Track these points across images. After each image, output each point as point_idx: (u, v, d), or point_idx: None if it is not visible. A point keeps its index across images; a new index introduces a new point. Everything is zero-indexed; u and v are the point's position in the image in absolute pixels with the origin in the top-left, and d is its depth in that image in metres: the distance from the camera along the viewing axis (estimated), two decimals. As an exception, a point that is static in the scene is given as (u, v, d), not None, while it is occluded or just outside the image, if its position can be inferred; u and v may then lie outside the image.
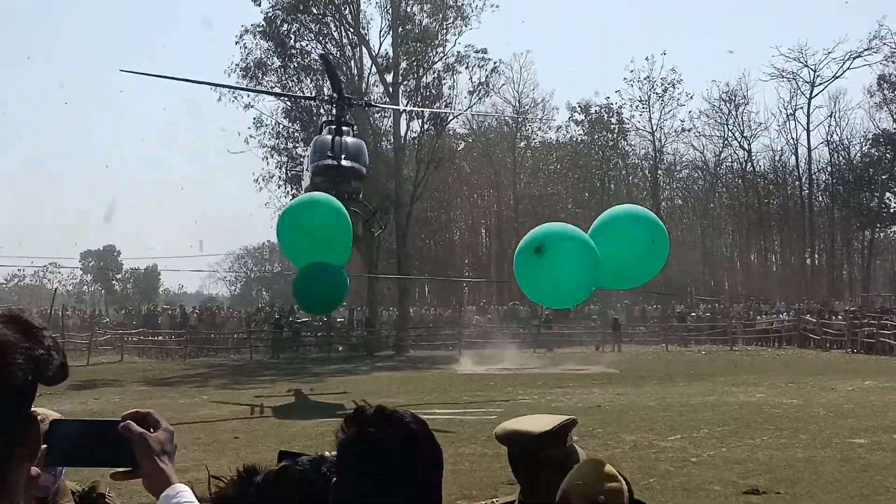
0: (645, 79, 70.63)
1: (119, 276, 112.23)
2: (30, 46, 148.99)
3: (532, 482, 3.33)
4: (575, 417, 3.36)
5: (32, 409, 1.55)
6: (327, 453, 2.89)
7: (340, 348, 46.82)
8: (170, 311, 55.46)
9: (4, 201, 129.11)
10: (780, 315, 50.06)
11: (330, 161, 28.27)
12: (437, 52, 53.17)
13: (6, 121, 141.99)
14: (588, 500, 2.53)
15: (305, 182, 31.98)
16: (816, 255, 72.14)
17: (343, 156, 28.26)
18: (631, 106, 72.26)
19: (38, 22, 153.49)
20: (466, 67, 54.11)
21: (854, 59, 65.19)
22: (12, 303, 77.21)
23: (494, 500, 3.67)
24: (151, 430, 1.95)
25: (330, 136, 29.18)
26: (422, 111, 51.22)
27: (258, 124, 53.99)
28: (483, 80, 54.88)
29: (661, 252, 4.68)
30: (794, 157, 70.84)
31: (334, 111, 32.62)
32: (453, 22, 53.27)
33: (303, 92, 52.17)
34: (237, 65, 53.23)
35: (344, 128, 29.69)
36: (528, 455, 3.25)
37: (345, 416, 2.16)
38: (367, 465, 2.06)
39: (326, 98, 37.06)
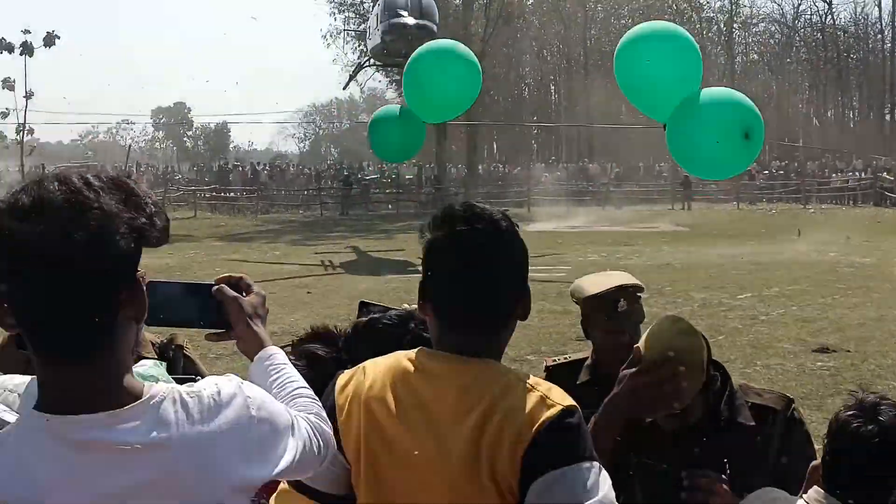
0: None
1: (190, 132, 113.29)
2: None
3: (603, 339, 3.34)
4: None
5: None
6: (406, 306, 2.92)
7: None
8: (241, 168, 56.00)
9: (79, 59, 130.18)
10: (856, 173, 48.99)
11: (401, 19, 27.82)
12: None
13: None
14: (662, 354, 2.52)
15: (373, 41, 31.55)
16: (896, 112, 70.17)
17: (413, 14, 27.87)
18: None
19: None
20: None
21: None
22: (87, 158, 78.60)
23: (566, 356, 3.69)
24: (244, 293, 2.01)
25: None
26: None
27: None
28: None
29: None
30: (877, 8, 68.33)
31: None
32: None
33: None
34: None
35: None
36: (600, 310, 3.26)
37: (433, 216, 2.17)
38: (456, 261, 2.07)
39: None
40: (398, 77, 39.67)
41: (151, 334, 3.71)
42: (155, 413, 1.56)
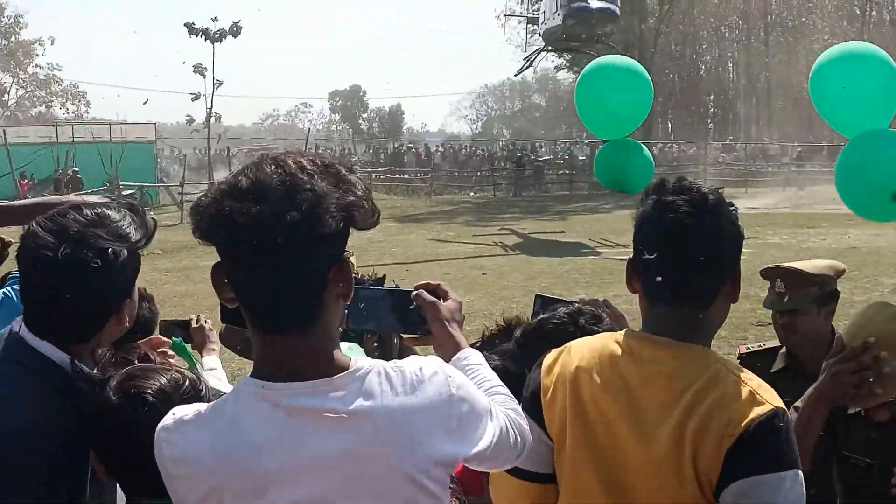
0: None
1: (365, 115, 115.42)
2: None
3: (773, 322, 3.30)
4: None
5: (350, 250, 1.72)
6: (582, 297, 2.95)
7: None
8: (414, 150, 56.74)
9: (261, 45, 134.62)
10: None
11: (584, 3, 27.54)
12: None
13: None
14: (864, 340, 2.44)
15: (549, 24, 31.18)
16: None
17: None
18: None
19: None
20: None
21: None
22: (268, 141, 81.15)
23: (761, 343, 3.64)
24: (442, 299, 2.12)
25: None
26: None
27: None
28: None
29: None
30: None
31: None
32: None
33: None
34: None
35: None
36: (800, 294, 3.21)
37: (645, 189, 2.17)
38: (661, 233, 2.08)
39: None
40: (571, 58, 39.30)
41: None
42: (360, 384, 1.67)
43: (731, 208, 2.11)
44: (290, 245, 1.58)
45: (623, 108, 5.34)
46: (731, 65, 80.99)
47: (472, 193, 44.82)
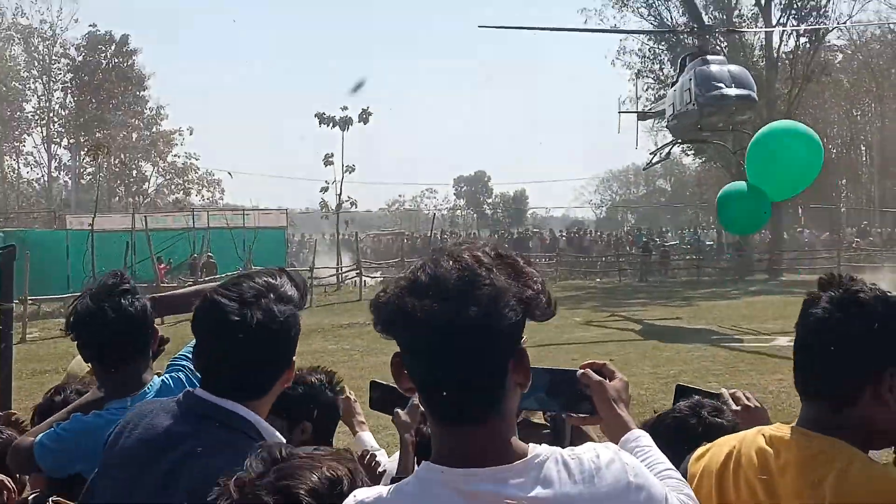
0: None
1: (489, 200, 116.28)
2: None
3: None
4: None
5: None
6: (723, 389, 2.86)
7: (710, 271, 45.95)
8: (539, 234, 56.89)
9: (388, 131, 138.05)
10: None
11: (722, 90, 27.33)
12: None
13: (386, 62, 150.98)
14: None
15: (681, 114, 30.87)
16: None
17: (733, 84, 27.42)
18: None
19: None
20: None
21: None
22: (395, 225, 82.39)
23: None
24: (608, 378, 2.12)
25: (714, 67, 28.39)
26: (793, 29, 48.56)
27: (622, 49, 53.64)
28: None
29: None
30: None
31: (697, 42, 31.87)
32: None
33: (670, 12, 51.17)
34: (603, -12, 53.03)
35: (719, 57, 28.84)
36: None
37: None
38: (805, 321, 2.14)
39: (687, 30, 36.02)
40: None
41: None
42: (539, 471, 1.67)
43: (890, 308, 2.08)
44: (470, 340, 1.63)
45: (795, 168, 5.26)
46: (863, 147, 79.25)
47: (598, 279, 44.56)
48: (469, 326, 1.61)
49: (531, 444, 1.74)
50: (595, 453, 1.73)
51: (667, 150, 36.95)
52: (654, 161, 41.04)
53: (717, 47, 41.87)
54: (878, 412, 2.06)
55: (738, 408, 2.66)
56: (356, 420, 3.77)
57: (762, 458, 2.09)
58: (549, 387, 2.12)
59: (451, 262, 1.68)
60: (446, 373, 1.66)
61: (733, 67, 29.37)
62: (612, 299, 32.43)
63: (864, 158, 79.11)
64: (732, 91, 26.67)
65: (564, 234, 59.34)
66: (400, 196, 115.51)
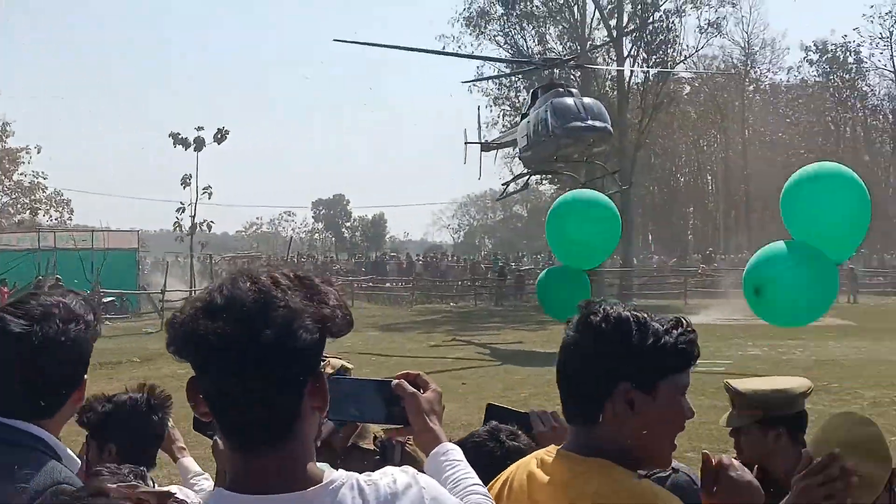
0: (887, 14, 66.46)
1: (348, 223, 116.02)
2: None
3: (762, 442, 3.25)
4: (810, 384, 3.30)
5: (325, 358, 1.72)
6: (533, 409, 2.91)
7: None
8: (397, 258, 57.00)
9: (245, 153, 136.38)
10: None
11: (578, 123, 27.75)
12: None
13: (241, 80, 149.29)
14: (829, 452, 2.41)
15: (530, 145, 31.19)
16: None
17: (588, 117, 27.89)
18: (871, 44, 68.18)
19: None
20: (696, 7, 52.63)
21: None
22: (252, 248, 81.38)
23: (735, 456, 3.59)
24: (422, 390, 2.12)
25: (570, 99, 28.80)
26: (640, 70, 50.20)
27: (479, 74, 54.39)
28: (713, 19, 53.41)
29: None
30: None
31: (549, 74, 32.39)
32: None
33: (525, 41, 52.18)
34: (460, 14, 53.72)
35: (572, 90, 29.39)
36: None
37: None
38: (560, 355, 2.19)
39: (538, 63, 36.65)
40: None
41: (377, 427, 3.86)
42: (333, 498, 1.65)
43: (625, 326, 2.13)
44: (264, 362, 1.59)
45: (592, 241, 5.38)
46: (710, 177, 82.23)
47: (453, 304, 44.87)
48: (264, 348, 1.57)
49: (327, 470, 1.70)
50: (392, 478, 1.72)
51: (524, 180, 37.39)
52: (508, 192, 41.58)
53: (571, 77, 42.94)
54: (621, 430, 2.10)
55: (545, 429, 2.70)
56: (176, 446, 3.69)
57: (531, 482, 2.13)
58: (364, 398, 2.09)
59: (247, 284, 1.64)
60: (241, 396, 1.61)
61: (588, 100, 30.05)
62: (468, 323, 32.71)
63: (710, 187, 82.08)
64: (589, 123, 27.22)
65: (422, 258, 59.61)
66: (258, 219, 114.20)
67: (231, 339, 1.58)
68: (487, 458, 2.42)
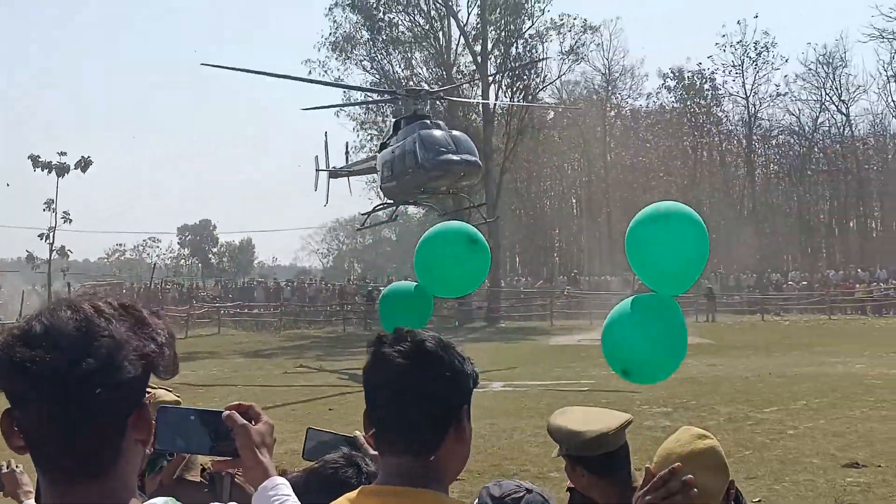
0: (738, 43, 69.14)
1: (215, 249, 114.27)
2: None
3: (579, 479, 3.29)
4: (630, 417, 3.32)
5: (151, 390, 1.65)
6: (357, 433, 2.90)
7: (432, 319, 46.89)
8: (264, 284, 56.35)
9: (108, 178, 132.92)
10: (880, 283, 48.86)
11: (450, 156, 27.71)
12: (525, 22, 52.92)
13: (106, 102, 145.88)
14: (669, 467, 2.50)
15: (401, 176, 30.87)
16: (919, 221, 70.04)
17: (456, 150, 27.91)
18: (724, 71, 70.78)
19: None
20: (559, 33, 53.86)
21: (959, 16, 62.81)
22: (114, 276, 79.26)
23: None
24: (253, 422, 2.05)
25: (438, 132, 28.73)
26: (506, 101, 50.92)
27: (347, 99, 54.41)
28: (574, 43, 54.76)
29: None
30: (894, 120, 68.82)
31: (412, 104, 32.32)
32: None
33: (392, 66, 52.47)
34: (326, 38, 53.72)
35: (439, 122, 29.44)
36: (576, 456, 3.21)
37: (368, 343, 2.18)
38: (380, 383, 2.10)
39: (400, 94, 36.79)
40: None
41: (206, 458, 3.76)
42: None
43: (451, 353, 2.13)
44: (84, 394, 1.52)
45: (462, 274, 5.42)
46: (574, 200, 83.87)
47: (324, 328, 44.62)
48: (84, 379, 1.50)
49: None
50: None
51: (390, 212, 36.98)
52: (366, 224, 41.40)
53: (437, 102, 43.20)
54: (454, 457, 2.11)
55: (376, 452, 2.66)
56: (22, 490, 3.58)
57: None
58: (192, 428, 2.02)
59: (68, 312, 1.56)
60: (58, 429, 1.54)
61: (457, 133, 30.18)
62: (335, 348, 32.54)
63: (574, 210, 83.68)
64: (461, 157, 27.28)
65: (290, 283, 59.06)
66: (120, 245, 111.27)
67: (49, 369, 1.50)
68: (341, 486, 2.38)
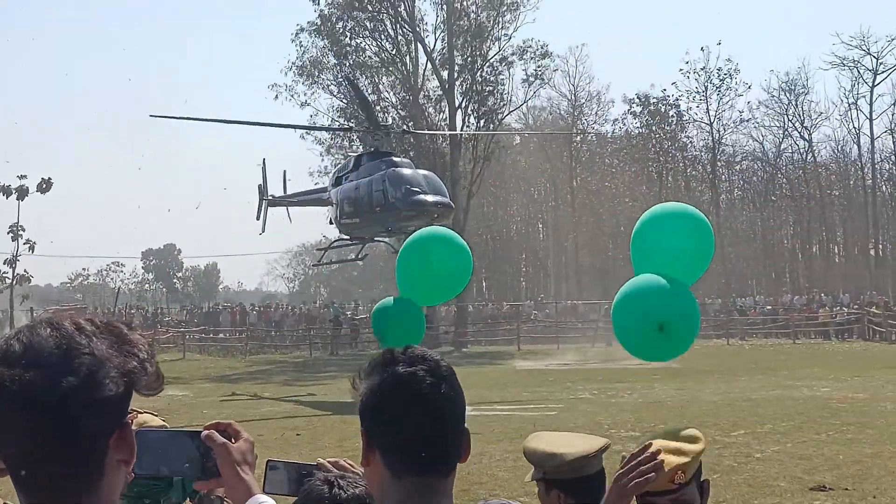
0: (701, 70, 69.90)
1: (180, 274, 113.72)
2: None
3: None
4: (609, 442, 3.32)
5: (138, 413, 1.62)
6: (320, 460, 2.85)
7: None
8: (230, 309, 56.02)
9: (70, 202, 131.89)
10: (843, 308, 49.37)
11: (424, 198, 27.48)
12: (492, 47, 53.26)
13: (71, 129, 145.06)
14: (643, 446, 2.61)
15: (358, 208, 30.32)
16: (880, 246, 70.89)
17: (430, 190, 27.71)
18: (688, 97, 71.52)
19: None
20: (522, 59, 54.26)
21: (919, 46, 63.88)
22: (76, 301, 78.57)
23: None
24: (233, 439, 2.03)
25: (407, 171, 28.50)
26: (472, 131, 51.07)
27: (313, 124, 54.40)
28: (537, 70, 55.16)
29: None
30: (856, 146, 69.86)
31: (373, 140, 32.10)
32: (508, 16, 53.34)
33: (358, 90, 52.65)
34: (293, 63, 53.74)
35: (405, 160, 29.21)
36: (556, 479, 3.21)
37: (372, 362, 2.15)
38: (404, 404, 2.03)
39: (363, 129, 36.54)
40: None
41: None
42: None
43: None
44: (65, 413, 1.49)
45: (445, 278, 5.39)
46: (540, 225, 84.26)
47: (291, 353, 44.41)
48: (65, 397, 1.47)
49: None
50: None
51: (360, 249, 36.17)
52: (322, 261, 41.05)
53: (405, 128, 43.19)
54: (454, 479, 2.13)
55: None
56: None
57: None
58: (172, 450, 2.00)
59: (48, 330, 1.53)
60: (38, 450, 1.51)
61: (426, 172, 30.03)
62: (302, 373, 32.38)
63: (541, 236, 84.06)
64: (434, 198, 27.05)
65: (256, 308, 58.77)
66: (84, 270, 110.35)
67: (28, 387, 1.47)
68: None
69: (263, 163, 42.47)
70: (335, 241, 38.54)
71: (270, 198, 41.17)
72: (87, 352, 1.52)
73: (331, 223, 35.12)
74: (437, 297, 5.79)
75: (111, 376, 1.52)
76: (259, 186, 41.66)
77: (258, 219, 41.13)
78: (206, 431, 2.02)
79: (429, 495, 2.03)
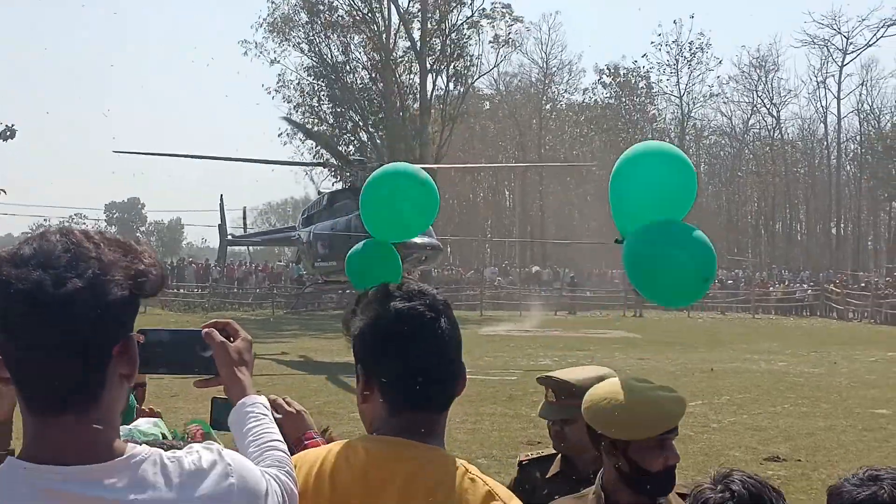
0: (673, 42, 70.03)
1: (143, 228, 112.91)
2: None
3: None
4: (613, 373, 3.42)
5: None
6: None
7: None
8: (194, 265, 55.63)
9: (33, 151, 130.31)
10: (803, 285, 49.91)
11: (415, 240, 26.71)
12: (462, 8, 53.01)
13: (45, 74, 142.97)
14: None
15: (328, 251, 29.17)
16: (842, 225, 71.61)
17: (419, 232, 27.18)
18: (659, 70, 71.66)
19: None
20: (491, 21, 54.15)
21: (888, 27, 64.36)
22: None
23: (539, 452, 3.72)
24: (231, 338, 2.05)
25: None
26: (444, 119, 50.66)
27: (282, 82, 53.96)
28: (506, 34, 55.10)
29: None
30: (822, 125, 70.42)
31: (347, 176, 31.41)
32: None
33: (330, 49, 52.19)
34: (264, 19, 53.17)
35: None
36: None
37: (366, 295, 2.15)
38: (402, 338, 2.04)
39: (334, 165, 35.98)
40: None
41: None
42: (134, 473, 1.56)
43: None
44: (71, 313, 1.50)
45: (407, 215, 5.37)
46: (507, 192, 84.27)
47: (253, 311, 44.31)
48: (70, 297, 1.49)
49: (130, 444, 1.62)
50: (197, 455, 1.65)
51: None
52: (297, 307, 40.64)
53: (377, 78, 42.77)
54: (447, 414, 2.14)
55: (280, 415, 2.54)
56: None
57: (364, 470, 1.99)
58: (172, 349, 2.02)
59: (57, 236, 1.57)
60: (44, 353, 1.52)
61: None
62: (265, 331, 32.28)
63: (507, 202, 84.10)
64: (424, 240, 26.45)
65: (218, 265, 58.39)
66: (45, 221, 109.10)
67: (35, 286, 1.49)
68: None
69: (221, 199, 41.71)
70: (308, 286, 37.84)
71: (230, 238, 40.76)
72: (93, 256, 1.55)
73: (297, 263, 34.26)
74: (407, 231, 5.75)
75: (117, 280, 1.55)
76: (219, 226, 41.16)
77: (217, 259, 40.51)
78: (206, 330, 2.04)
79: (426, 429, 2.04)
